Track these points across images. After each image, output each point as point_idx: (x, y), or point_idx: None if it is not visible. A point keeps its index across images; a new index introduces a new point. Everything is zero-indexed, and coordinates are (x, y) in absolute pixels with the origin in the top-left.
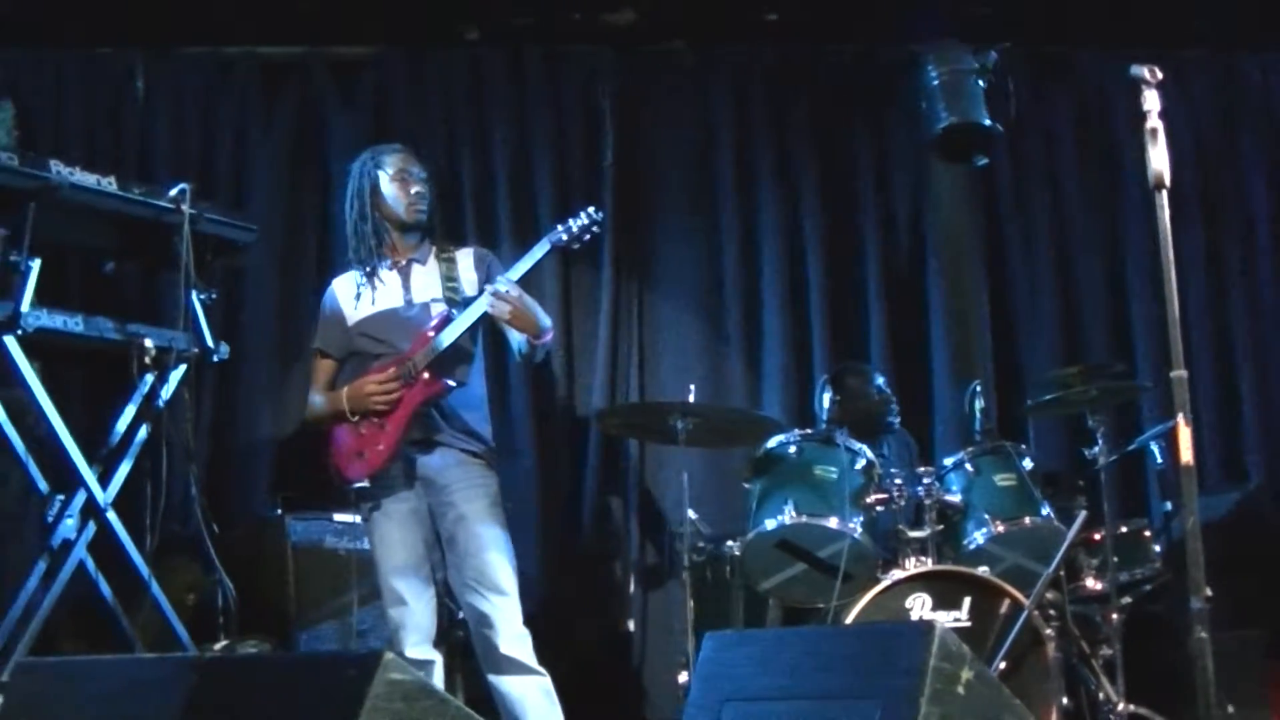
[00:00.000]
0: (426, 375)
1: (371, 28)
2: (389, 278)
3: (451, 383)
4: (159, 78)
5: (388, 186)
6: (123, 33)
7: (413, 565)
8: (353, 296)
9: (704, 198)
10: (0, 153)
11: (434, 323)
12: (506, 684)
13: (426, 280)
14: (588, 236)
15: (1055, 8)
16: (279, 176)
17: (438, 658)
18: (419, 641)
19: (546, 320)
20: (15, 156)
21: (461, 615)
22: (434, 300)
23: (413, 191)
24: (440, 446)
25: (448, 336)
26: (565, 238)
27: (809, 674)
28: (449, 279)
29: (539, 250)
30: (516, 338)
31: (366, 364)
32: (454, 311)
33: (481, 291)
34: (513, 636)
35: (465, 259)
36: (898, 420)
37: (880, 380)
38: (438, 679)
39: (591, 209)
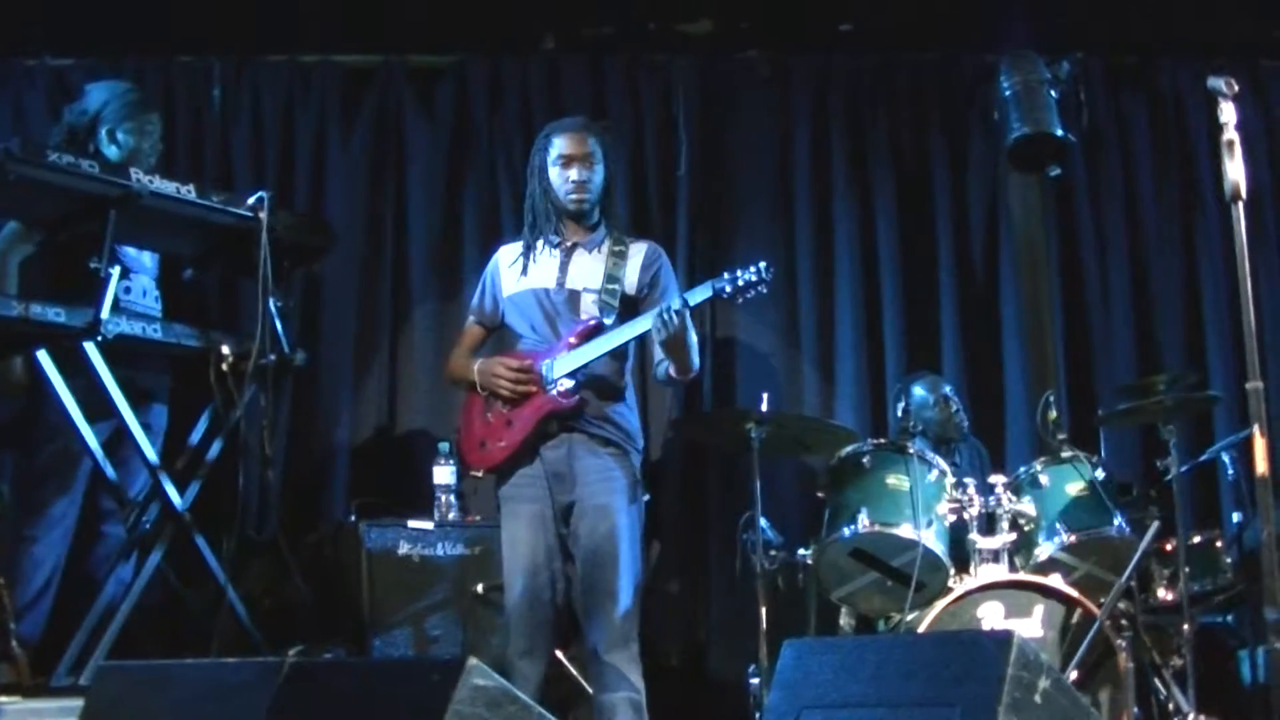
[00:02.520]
0: (564, 386)
1: (450, 36)
2: (550, 257)
3: (586, 401)
4: (237, 85)
5: (552, 169)
6: (201, 41)
7: (533, 569)
8: (511, 269)
9: (779, 206)
10: (81, 160)
11: (580, 329)
12: (601, 694)
13: (587, 268)
14: (751, 293)
15: (1131, 17)
16: (357, 184)
17: (539, 668)
18: (526, 650)
19: (697, 362)
20: (97, 164)
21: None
22: (586, 290)
23: (571, 180)
24: (571, 434)
25: (591, 351)
26: (729, 289)
27: (888, 681)
28: (612, 277)
29: (699, 293)
30: (661, 360)
31: (511, 341)
32: (604, 320)
33: (641, 293)
34: (615, 643)
35: (636, 255)
36: (967, 427)
37: (948, 389)
38: (535, 688)
39: (763, 264)
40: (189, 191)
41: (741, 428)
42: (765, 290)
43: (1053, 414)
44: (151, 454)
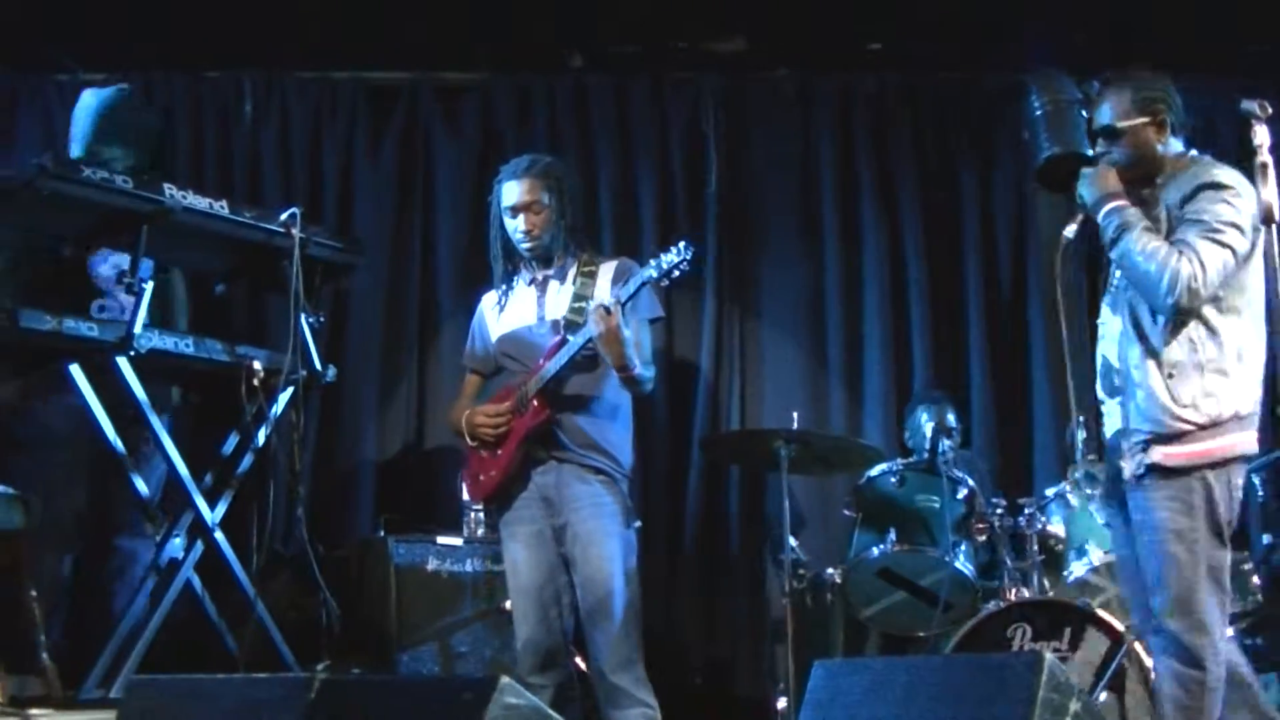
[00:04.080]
0: (535, 404)
1: (478, 54)
2: (526, 295)
3: (558, 414)
4: (267, 102)
5: (505, 216)
6: (232, 57)
7: (536, 588)
8: (494, 313)
9: (807, 225)
10: (115, 176)
11: (547, 350)
12: (614, 713)
13: (560, 298)
14: (677, 273)
15: (1160, 37)
16: (385, 200)
17: (553, 680)
18: (537, 666)
19: (634, 360)
20: (130, 180)
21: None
22: (563, 318)
23: (520, 230)
24: (560, 463)
25: (554, 365)
26: (656, 275)
27: (919, 703)
28: (579, 298)
29: (633, 284)
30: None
31: (507, 381)
32: (569, 336)
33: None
34: (618, 665)
35: (606, 275)
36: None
37: (952, 418)
38: (549, 700)
39: (682, 244)
40: (221, 207)
41: (769, 446)
42: (689, 267)
43: (1081, 434)
44: (183, 468)
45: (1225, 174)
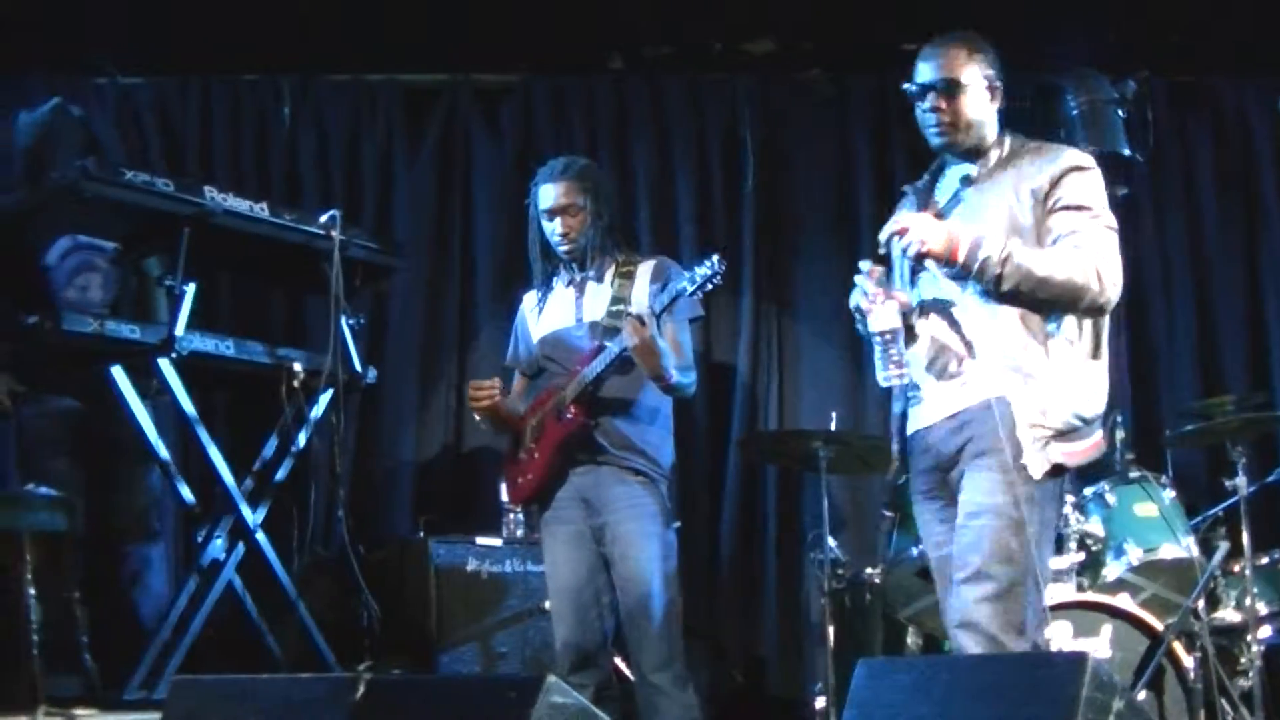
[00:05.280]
0: (573, 410)
1: (515, 56)
2: (565, 295)
3: (597, 418)
4: (305, 104)
5: (542, 219)
6: (269, 60)
7: (575, 588)
8: (533, 314)
9: (843, 224)
10: (156, 179)
11: (583, 356)
12: (653, 716)
13: (598, 299)
14: (710, 286)
15: (1193, 36)
16: (423, 202)
17: (594, 679)
18: (575, 665)
19: (671, 371)
20: (172, 183)
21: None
22: (602, 320)
23: (557, 233)
24: (598, 465)
25: (590, 372)
26: (690, 287)
27: (962, 702)
28: (618, 299)
29: (666, 296)
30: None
31: (548, 382)
32: (607, 342)
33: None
34: (657, 665)
35: (644, 275)
36: None
37: None
38: (590, 698)
39: (715, 257)
40: (261, 209)
41: (808, 446)
42: (720, 281)
43: (1120, 434)
44: (224, 470)
45: (1083, 156)
